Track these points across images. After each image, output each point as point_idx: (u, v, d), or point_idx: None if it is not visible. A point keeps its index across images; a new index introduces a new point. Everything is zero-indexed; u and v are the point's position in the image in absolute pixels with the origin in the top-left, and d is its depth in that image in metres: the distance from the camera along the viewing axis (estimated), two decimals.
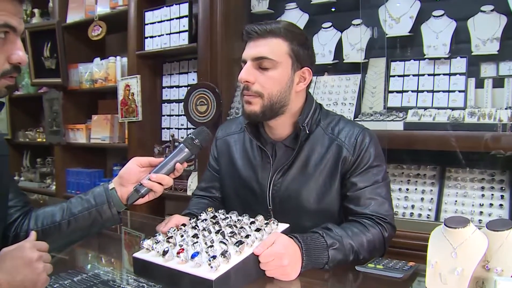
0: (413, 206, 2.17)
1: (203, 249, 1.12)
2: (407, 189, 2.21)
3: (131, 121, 3.00)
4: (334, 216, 1.46)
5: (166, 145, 2.99)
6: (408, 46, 2.31)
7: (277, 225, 1.23)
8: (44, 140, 3.72)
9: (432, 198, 2.14)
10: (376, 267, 1.21)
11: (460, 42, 2.14)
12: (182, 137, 3.01)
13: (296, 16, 2.58)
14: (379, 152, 1.46)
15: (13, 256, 0.99)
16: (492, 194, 2.02)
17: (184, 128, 3.02)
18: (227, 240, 1.14)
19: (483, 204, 2.02)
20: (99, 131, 3.33)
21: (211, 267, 1.04)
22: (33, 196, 3.32)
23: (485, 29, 2.04)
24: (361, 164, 1.42)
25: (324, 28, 2.51)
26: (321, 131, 1.47)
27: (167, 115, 3.11)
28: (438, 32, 2.16)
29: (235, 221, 1.28)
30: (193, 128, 2.91)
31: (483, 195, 2.04)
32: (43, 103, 3.59)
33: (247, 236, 1.14)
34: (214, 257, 1.05)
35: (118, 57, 3.19)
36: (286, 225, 1.24)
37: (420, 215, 2.14)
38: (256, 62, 1.40)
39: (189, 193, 2.71)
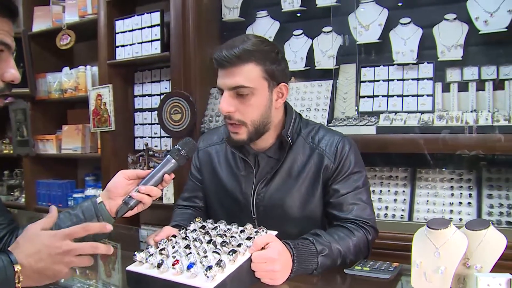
0: (386, 207, 2.24)
1: (197, 260, 1.14)
2: (381, 191, 2.29)
3: (104, 131, 2.97)
4: (317, 223, 1.50)
5: (140, 154, 2.97)
6: (377, 53, 2.39)
7: (266, 233, 1.27)
8: (11, 151, 3.62)
9: (404, 199, 2.22)
10: (363, 269, 1.26)
11: (426, 49, 2.23)
12: (155, 146, 3.00)
13: (267, 24, 2.63)
14: (358, 158, 1.52)
15: (42, 243, 1.00)
16: (461, 193, 2.12)
17: (158, 137, 3.01)
18: (219, 249, 1.17)
19: (453, 203, 2.11)
20: (70, 141, 3.27)
21: (208, 277, 1.06)
22: None
23: (449, 36, 2.14)
24: (342, 171, 1.47)
25: (295, 35, 2.57)
26: (302, 140, 1.52)
27: (140, 124, 3.09)
28: (406, 39, 2.25)
29: (224, 231, 1.30)
30: (167, 137, 2.92)
31: (452, 194, 2.13)
32: (10, 113, 3.49)
33: (239, 245, 1.17)
34: (210, 267, 1.07)
35: (88, 66, 3.15)
36: (275, 232, 1.28)
37: (394, 215, 2.22)
38: (233, 91, 1.40)
39: (165, 201, 2.71)
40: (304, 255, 1.24)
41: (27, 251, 0.99)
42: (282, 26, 2.60)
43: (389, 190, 2.28)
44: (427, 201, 2.17)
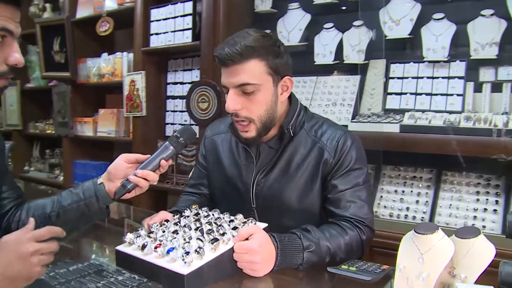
0: (408, 208, 2.17)
1: (180, 245, 1.16)
2: (403, 191, 2.22)
3: (136, 116, 3.05)
4: (316, 217, 1.48)
5: None
6: (407, 48, 2.31)
7: (254, 224, 1.26)
8: (53, 132, 3.80)
9: (427, 201, 2.14)
10: (349, 269, 1.23)
11: (459, 46, 2.13)
12: None
13: (298, 16, 2.60)
14: (361, 155, 1.48)
15: (10, 249, 1.02)
16: (487, 199, 2.01)
17: (187, 124, 3.05)
18: (204, 237, 1.18)
19: (477, 209, 2.02)
20: (105, 124, 3.39)
21: (185, 262, 1.08)
22: (41, 187, 3.42)
23: (484, 33, 2.03)
24: (342, 167, 1.44)
25: (325, 28, 2.52)
26: (304, 133, 1.50)
27: (171, 111, 3.15)
28: (437, 35, 2.16)
29: (215, 219, 1.31)
30: (195, 125, 2.95)
31: (478, 200, 2.03)
32: (53, 96, 3.67)
33: (223, 234, 1.18)
34: (188, 253, 1.09)
35: (125, 53, 3.24)
36: (265, 225, 1.27)
37: (414, 217, 2.15)
38: (239, 89, 1.39)
39: None
40: (289, 250, 1.23)
41: None
42: (313, 19, 2.57)
43: (411, 191, 2.20)
44: (450, 205, 2.08)
